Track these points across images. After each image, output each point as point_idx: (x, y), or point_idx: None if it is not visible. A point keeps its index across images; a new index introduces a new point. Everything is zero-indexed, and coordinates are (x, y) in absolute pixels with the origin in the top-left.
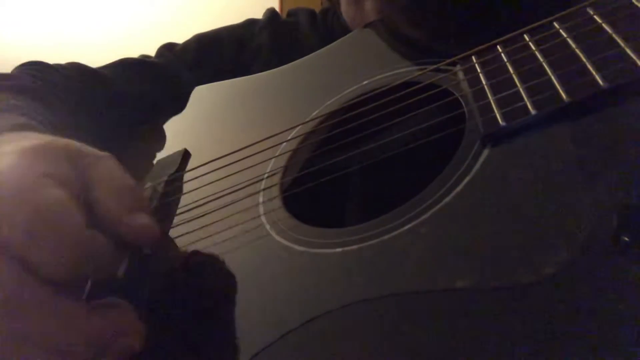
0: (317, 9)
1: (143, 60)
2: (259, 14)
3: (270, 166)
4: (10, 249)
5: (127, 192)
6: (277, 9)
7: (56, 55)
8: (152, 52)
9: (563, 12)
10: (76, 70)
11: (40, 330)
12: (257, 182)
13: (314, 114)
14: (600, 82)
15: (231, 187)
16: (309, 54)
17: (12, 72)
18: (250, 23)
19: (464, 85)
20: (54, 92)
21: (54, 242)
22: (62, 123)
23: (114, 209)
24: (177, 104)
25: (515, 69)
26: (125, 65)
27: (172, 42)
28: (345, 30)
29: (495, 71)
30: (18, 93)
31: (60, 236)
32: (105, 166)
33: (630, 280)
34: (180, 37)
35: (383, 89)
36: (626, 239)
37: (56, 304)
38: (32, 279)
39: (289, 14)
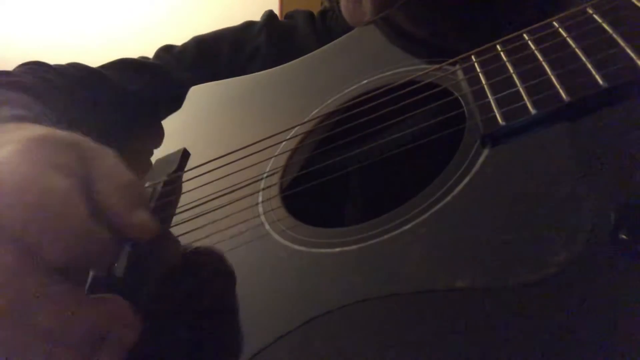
0: (317, 10)
1: (142, 61)
2: (257, 16)
3: (269, 165)
4: (12, 232)
5: (129, 188)
6: (277, 10)
7: (56, 55)
8: (150, 53)
9: (563, 13)
10: (76, 69)
11: (36, 316)
12: (256, 181)
13: (314, 113)
14: (600, 81)
15: (230, 186)
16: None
17: (12, 71)
18: (248, 25)
19: (464, 84)
20: (53, 90)
21: (56, 228)
22: (60, 120)
23: (115, 204)
24: (176, 106)
25: (515, 68)
26: (123, 65)
27: (170, 44)
28: (344, 30)
29: (495, 71)
30: (17, 89)
31: (63, 223)
32: (108, 161)
33: (630, 278)
34: (179, 38)
35: (383, 88)
36: (624, 236)
37: (54, 288)
38: (31, 262)
39: (287, 16)
